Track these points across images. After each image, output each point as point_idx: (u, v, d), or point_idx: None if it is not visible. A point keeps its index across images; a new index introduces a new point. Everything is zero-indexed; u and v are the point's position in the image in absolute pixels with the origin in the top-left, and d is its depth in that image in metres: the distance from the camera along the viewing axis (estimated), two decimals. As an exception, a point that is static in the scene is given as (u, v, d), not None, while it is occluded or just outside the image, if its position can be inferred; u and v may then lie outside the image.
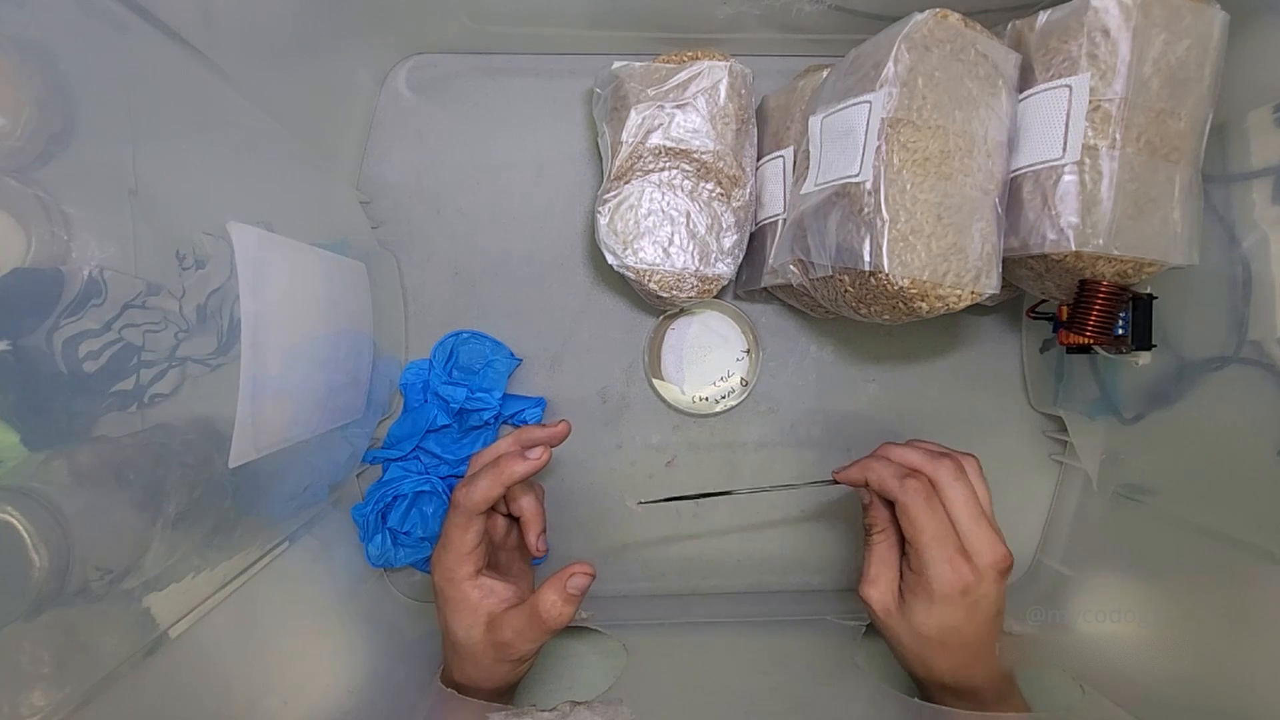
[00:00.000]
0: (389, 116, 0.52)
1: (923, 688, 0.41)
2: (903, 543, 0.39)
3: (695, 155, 0.44)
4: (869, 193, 0.36)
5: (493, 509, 0.41)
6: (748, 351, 0.52)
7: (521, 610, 0.38)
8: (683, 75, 0.44)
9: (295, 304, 0.38)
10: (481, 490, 0.39)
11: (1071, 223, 0.35)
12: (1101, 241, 0.35)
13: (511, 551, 0.46)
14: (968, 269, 0.36)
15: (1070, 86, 0.36)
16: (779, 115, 0.47)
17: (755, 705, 0.43)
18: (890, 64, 0.36)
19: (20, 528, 0.24)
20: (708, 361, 0.53)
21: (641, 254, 0.45)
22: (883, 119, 0.36)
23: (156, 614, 0.31)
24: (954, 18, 0.37)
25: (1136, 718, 0.39)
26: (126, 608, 0.29)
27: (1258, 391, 0.37)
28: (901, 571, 0.39)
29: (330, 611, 0.45)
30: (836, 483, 0.42)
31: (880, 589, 0.39)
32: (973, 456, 0.40)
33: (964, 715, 0.40)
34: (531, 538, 0.44)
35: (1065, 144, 0.36)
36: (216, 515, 0.34)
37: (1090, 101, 0.35)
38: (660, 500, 0.46)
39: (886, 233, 0.35)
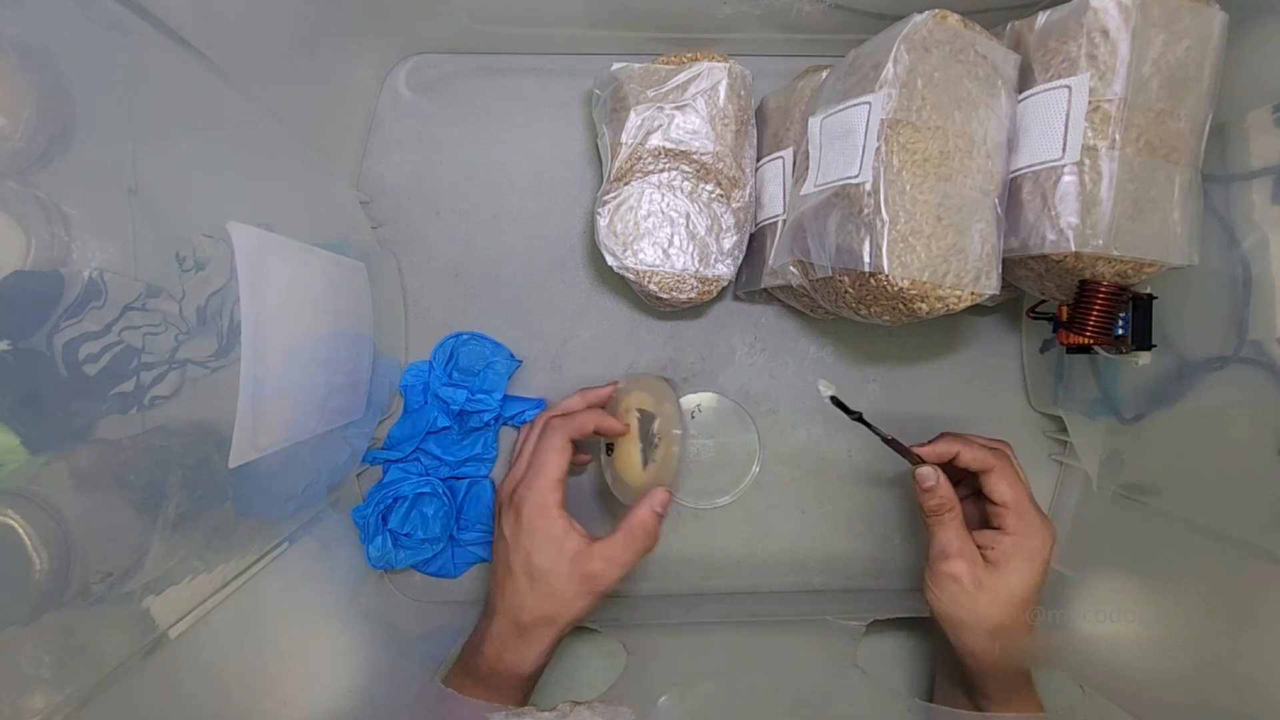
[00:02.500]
0: (389, 117, 0.52)
1: (975, 671, 0.41)
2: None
3: (695, 156, 0.44)
4: (869, 194, 0.36)
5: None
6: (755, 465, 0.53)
7: (612, 538, 0.40)
8: (682, 76, 0.44)
9: (295, 304, 0.38)
10: (579, 420, 0.42)
11: (1071, 223, 0.35)
12: (1101, 242, 0.35)
13: None
14: (967, 270, 0.36)
15: (1069, 87, 0.36)
16: (778, 116, 0.47)
17: (755, 705, 0.43)
18: (889, 65, 0.36)
19: (21, 530, 0.24)
20: (713, 480, 0.54)
21: (641, 255, 0.45)
22: (882, 120, 0.36)
23: (156, 615, 0.31)
24: (953, 18, 0.37)
25: (1136, 718, 0.39)
26: (127, 609, 0.29)
27: (1258, 391, 0.37)
28: (980, 544, 0.41)
29: (330, 612, 0.45)
30: (920, 460, 0.42)
31: (969, 560, 0.40)
32: None
33: (964, 715, 0.40)
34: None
35: (1065, 144, 0.36)
36: (216, 516, 0.34)
37: (1090, 102, 0.35)
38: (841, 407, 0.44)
39: (886, 234, 0.35)
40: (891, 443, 0.42)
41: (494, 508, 0.46)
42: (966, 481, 0.45)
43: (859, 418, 0.43)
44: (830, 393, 0.42)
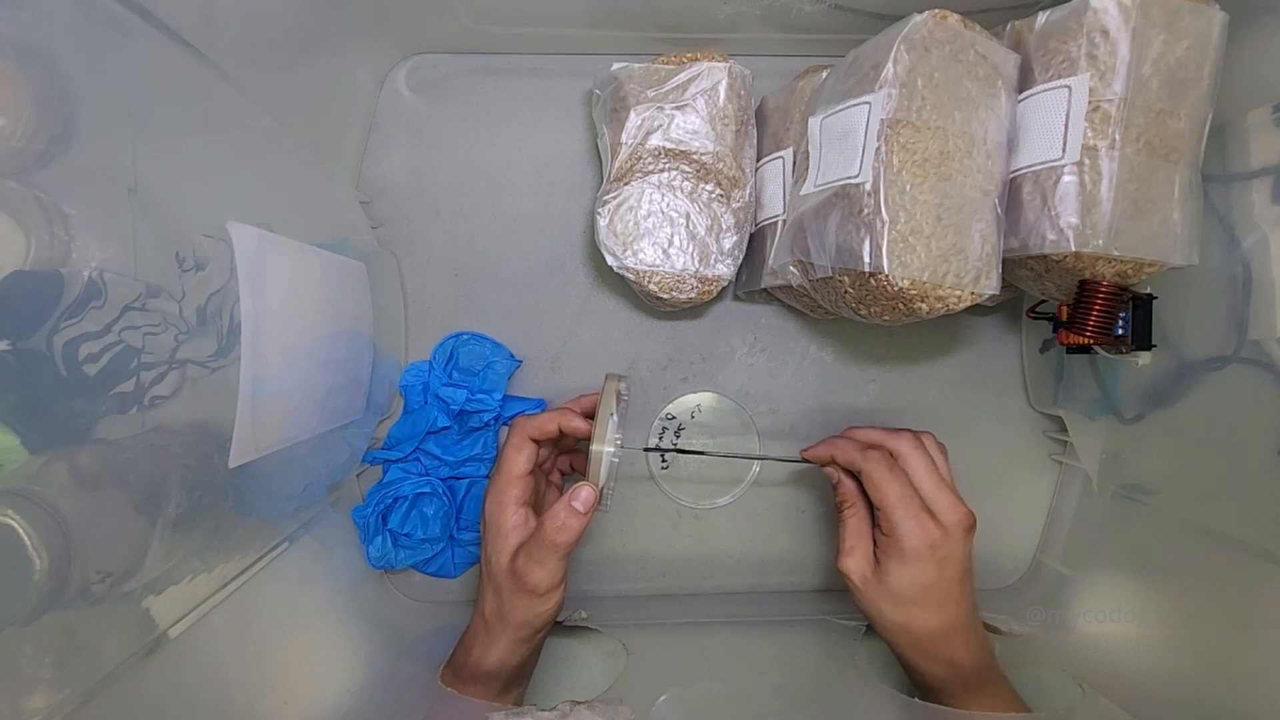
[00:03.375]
0: (389, 117, 0.52)
1: (908, 666, 0.41)
2: (873, 516, 0.41)
3: (695, 156, 0.44)
4: (869, 194, 0.36)
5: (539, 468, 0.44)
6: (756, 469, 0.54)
7: (534, 535, 0.39)
8: (682, 76, 0.44)
9: (295, 304, 0.38)
10: (540, 419, 0.42)
11: (1071, 223, 0.35)
12: (1101, 242, 0.35)
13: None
14: (967, 270, 0.36)
15: (1070, 87, 0.36)
16: (778, 116, 0.47)
17: (755, 705, 0.43)
18: (890, 65, 0.36)
19: (20, 530, 0.24)
20: (713, 480, 0.54)
21: (641, 255, 0.45)
22: (882, 120, 0.36)
23: (156, 615, 0.31)
24: (953, 18, 0.37)
25: (1136, 718, 0.39)
26: (127, 609, 0.29)
27: (1258, 391, 0.37)
28: (875, 540, 0.41)
29: (330, 612, 0.45)
30: (807, 461, 0.44)
31: (855, 558, 0.41)
32: (929, 433, 0.43)
33: (964, 715, 0.40)
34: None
35: (1065, 144, 0.36)
36: (216, 516, 0.34)
37: (1090, 102, 0.35)
38: (637, 448, 0.51)
39: (886, 234, 0.35)
40: (765, 459, 0.45)
41: None
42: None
43: (697, 453, 0.48)
44: (639, 448, 0.47)
